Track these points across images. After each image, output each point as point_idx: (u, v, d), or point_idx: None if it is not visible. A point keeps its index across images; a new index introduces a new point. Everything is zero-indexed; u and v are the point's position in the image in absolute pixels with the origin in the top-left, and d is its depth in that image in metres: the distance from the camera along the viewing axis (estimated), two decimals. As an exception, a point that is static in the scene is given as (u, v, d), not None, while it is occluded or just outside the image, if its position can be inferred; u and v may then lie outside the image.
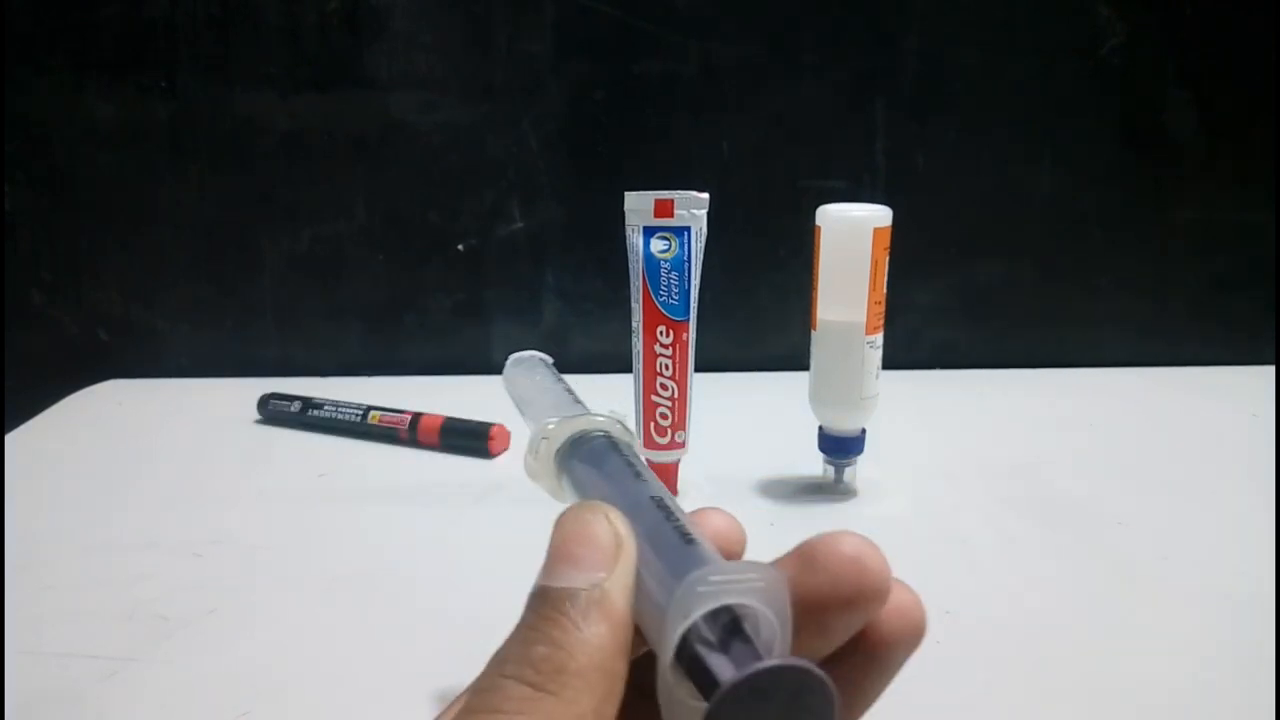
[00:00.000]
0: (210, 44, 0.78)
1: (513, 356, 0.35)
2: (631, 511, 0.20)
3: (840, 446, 0.58)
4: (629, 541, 0.20)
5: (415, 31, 0.78)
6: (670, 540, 0.20)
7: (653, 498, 0.21)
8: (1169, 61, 0.79)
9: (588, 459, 0.25)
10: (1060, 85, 0.80)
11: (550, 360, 0.35)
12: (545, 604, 0.18)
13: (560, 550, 0.19)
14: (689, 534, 0.20)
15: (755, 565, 0.18)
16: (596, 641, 0.18)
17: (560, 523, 0.20)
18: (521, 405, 0.32)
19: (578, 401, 0.30)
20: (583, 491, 0.24)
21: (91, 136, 0.80)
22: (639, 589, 0.19)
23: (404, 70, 0.79)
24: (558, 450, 0.26)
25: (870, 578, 0.19)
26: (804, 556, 0.20)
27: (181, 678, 0.41)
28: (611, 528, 0.20)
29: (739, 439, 0.68)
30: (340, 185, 0.82)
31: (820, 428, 0.58)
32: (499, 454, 0.67)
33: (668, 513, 0.21)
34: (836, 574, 0.19)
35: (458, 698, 0.20)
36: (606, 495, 0.22)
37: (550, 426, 0.26)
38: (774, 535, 0.57)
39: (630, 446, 0.25)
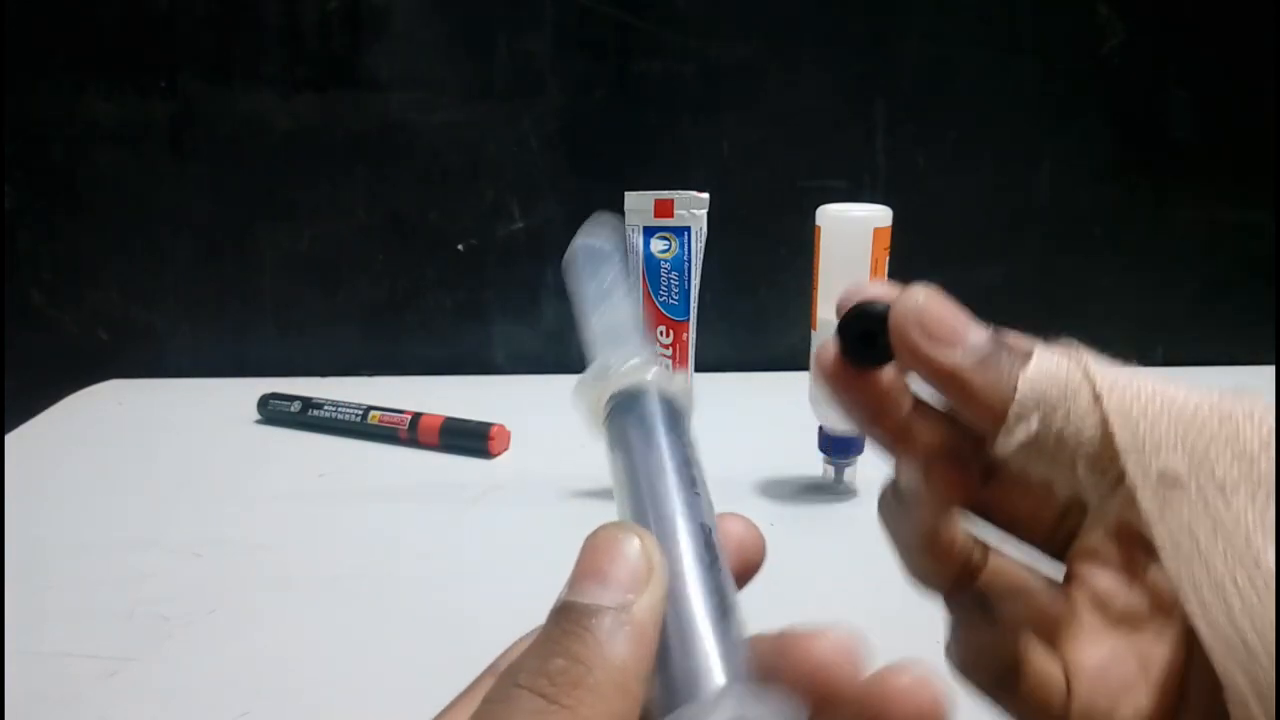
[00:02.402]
0: (210, 44, 0.78)
1: (583, 243, 0.29)
2: (671, 537, 0.20)
3: (840, 446, 0.58)
4: (660, 570, 0.19)
5: (415, 31, 0.78)
6: (704, 602, 0.19)
7: (703, 525, 0.20)
8: (1169, 61, 0.79)
9: (640, 426, 0.23)
10: (1060, 85, 0.80)
11: (620, 255, 0.30)
12: (568, 619, 0.18)
13: (589, 566, 0.19)
14: (726, 598, 0.19)
15: (780, 698, 0.17)
16: (618, 661, 0.17)
17: (591, 539, 0.19)
18: (583, 310, 0.28)
19: (644, 336, 0.27)
20: (629, 467, 0.22)
21: (91, 136, 0.79)
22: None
23: (404, 70, 0.79)
24: (611, 396, 0.24)
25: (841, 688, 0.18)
26: (778, 647, 0.19)
27: (181, 678, 0.41)
28: (645, 552, 0.19)
29: (739, 439, 0.68)
30: (340, 185, 0.82)
31: (820, 428, 0.58)
32: (499, 454, 0.67)
33: (712, 558, 0.20)
34: (797, 679, 0.18)
35: (452, 704, 0.20)
36: (656, 495, 0.21)
37: (620, 370, 0.24)
38: (774, 535, 0.57)
39: (688, 419, 0.23)
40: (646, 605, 0.18)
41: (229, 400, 0.76)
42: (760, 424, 0.72)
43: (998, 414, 0.19)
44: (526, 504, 0.59)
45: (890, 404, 0.22)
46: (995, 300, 0.85)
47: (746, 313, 0.85)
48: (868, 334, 0.21)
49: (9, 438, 0.72)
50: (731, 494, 0.60)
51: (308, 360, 0.86)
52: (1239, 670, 0.16)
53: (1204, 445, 0.17)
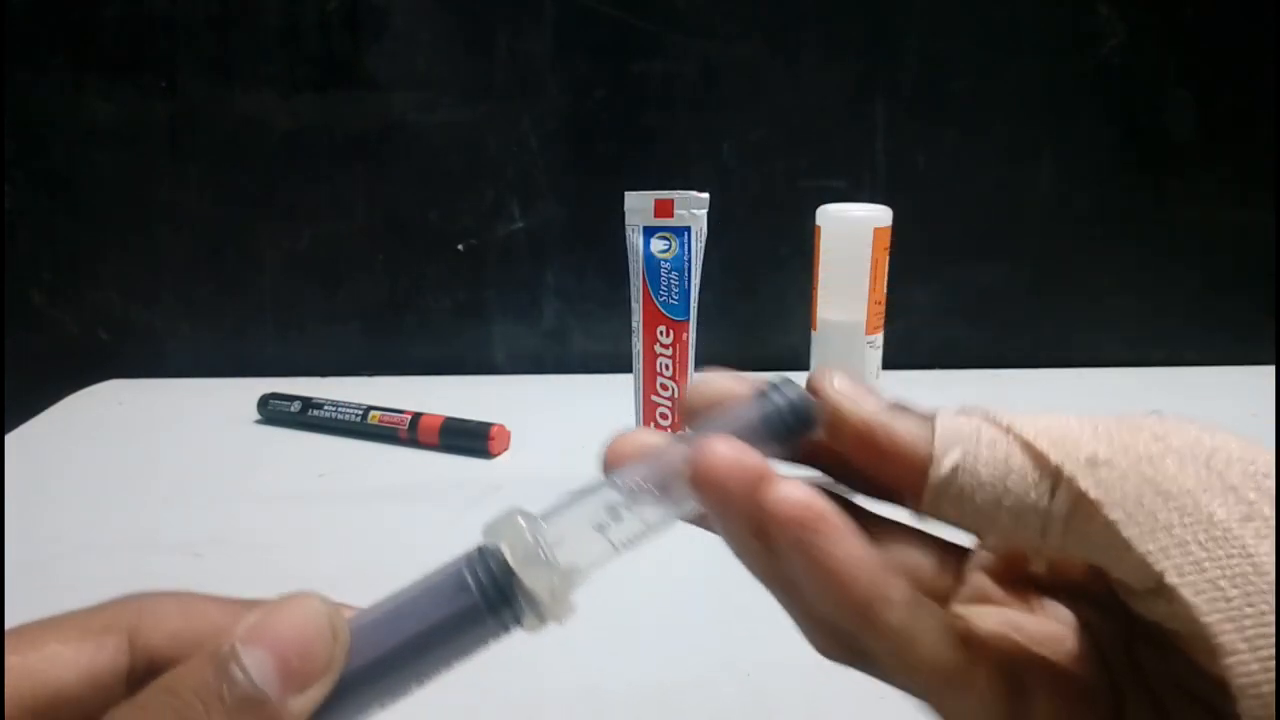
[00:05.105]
0: (210, 44, 0.78)
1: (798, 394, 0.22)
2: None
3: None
4: (335, 670, 0.18)
5: (415, 31, 0.78)
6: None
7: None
8: (1169, 61, 0.79)
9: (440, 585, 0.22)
10: (1060, 85, 0.80)
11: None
12: (233, 679, 0.17)
13: (275, 634, 0.18)
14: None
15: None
16: None
17: (293, 607, 0.19)
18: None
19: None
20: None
21: (91, 136, 0.80)
22: None
23: (404, 70, 0.79)
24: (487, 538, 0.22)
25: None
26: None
27: (181, 678, 0.41)
28: (333, 645, 0.18)
29: (739, 439, 0.68)
30: (340, 185, 0.82)
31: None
32: (499, 454, 0.67)
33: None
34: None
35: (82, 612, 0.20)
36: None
37: (503, 522, 0.21)
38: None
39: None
40: (302, 706, 0.18)
41: (229, 400, 0.76)
42: (760, 424, 0.72)
43: (921, 459, 0.19)
44: (526, 504, 0.59)
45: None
46: (995, 300, 0.85)
47: (746, 313, 0.85)
48: (792, 422, 0.21)
49: (9, 438, 0.72)
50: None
51: (308, 360, 0.86)
52: (1228, 622, 0.17)
53: (1121, 438, 0.18)
